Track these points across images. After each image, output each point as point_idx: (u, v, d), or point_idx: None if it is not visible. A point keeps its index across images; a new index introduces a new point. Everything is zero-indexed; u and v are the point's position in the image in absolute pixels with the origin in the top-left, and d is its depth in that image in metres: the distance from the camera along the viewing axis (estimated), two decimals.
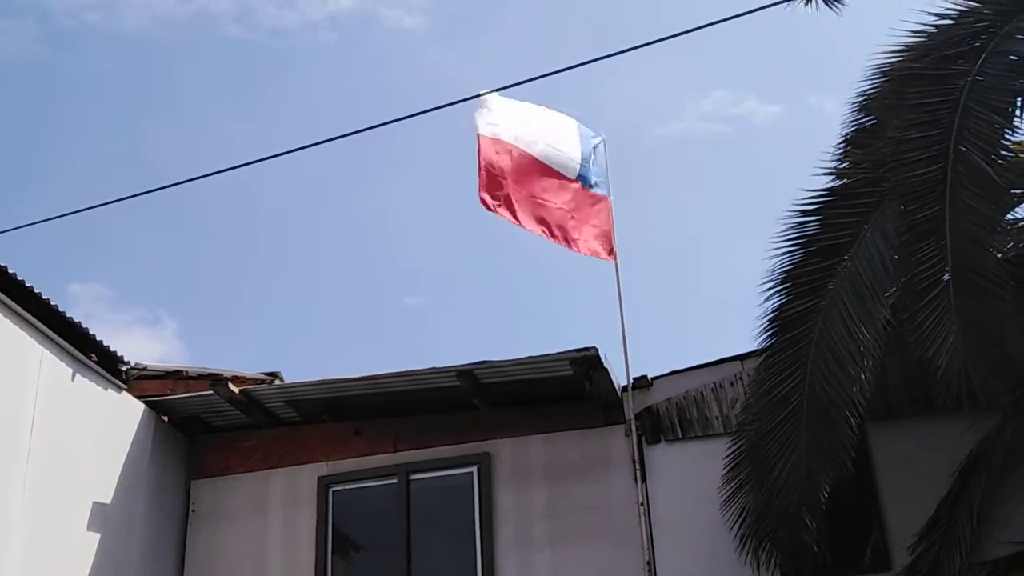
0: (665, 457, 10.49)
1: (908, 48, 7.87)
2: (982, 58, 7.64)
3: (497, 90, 10.22)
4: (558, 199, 11.28)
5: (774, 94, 25.85)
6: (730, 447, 9.55)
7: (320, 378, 10.97)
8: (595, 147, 11.86)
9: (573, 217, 11.26)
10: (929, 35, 7.82)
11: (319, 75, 25.84)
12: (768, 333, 8.78)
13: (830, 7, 10.57)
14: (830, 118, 22.52)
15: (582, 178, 11.55)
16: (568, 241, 11.14)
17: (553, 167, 11.37)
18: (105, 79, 24.89)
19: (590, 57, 7.10)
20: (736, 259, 23.02)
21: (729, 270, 22.65)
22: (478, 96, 10.31)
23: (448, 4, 26.28)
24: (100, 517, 10.25)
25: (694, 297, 24.98)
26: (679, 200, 24.65)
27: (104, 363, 10.63)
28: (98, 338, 10.48)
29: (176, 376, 11.58)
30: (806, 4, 10.50)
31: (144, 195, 8.43)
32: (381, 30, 26.27)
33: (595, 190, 11.58)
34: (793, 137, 23.49)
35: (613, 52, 7.02)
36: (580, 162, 11.59)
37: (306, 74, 25.74)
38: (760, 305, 8.77)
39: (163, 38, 24.58)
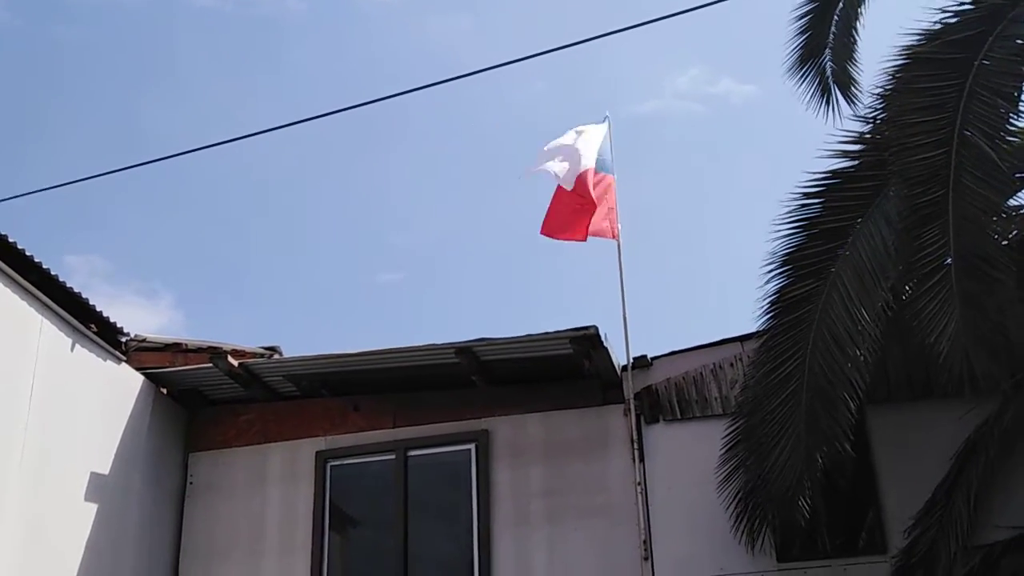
0: (663, 437, 10.50)
1: (917, 33, 7.83)
2: (988, 42, 7.61)
3: (479, 72, 10.16)
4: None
5: (749, 73, 25.82)
6: (728, 428, 9.58)
7: (319, 353, 10.95)
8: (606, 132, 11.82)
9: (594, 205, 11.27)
10: (936, 20, 7.79)
11: (290, 45, 25.88)
12: (769, 315, 8.79)
13: (848, 100, 10.71)
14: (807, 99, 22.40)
15: (599, 162, 11.50)
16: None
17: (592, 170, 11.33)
18: (78, 47, 24.81)
19: (569, 28, 7.21)
20: (725, 238, 23.03)
21: (724, 249, 22.56)
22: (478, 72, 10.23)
23: None
24: (97, 487, 10.26)
25: (693, 277, 24.97)
26: (667, 178, 24.64)
27: (104, 334, 10.62)
28: (98, 308, 10.48)
29: (175, 348, 11.55)
30: (824, 101, 10.64)
31: (140, 166, 8.49)
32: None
33: (603, 171, 11.51)
34: (769, 118, 23.36)
35: (592, 36, 7.14)
36: (599, 153, 11.56)
37: (279, 44, 25.79)
38: (761, 287, 8.80)
39: (129, 5, 24.34)
